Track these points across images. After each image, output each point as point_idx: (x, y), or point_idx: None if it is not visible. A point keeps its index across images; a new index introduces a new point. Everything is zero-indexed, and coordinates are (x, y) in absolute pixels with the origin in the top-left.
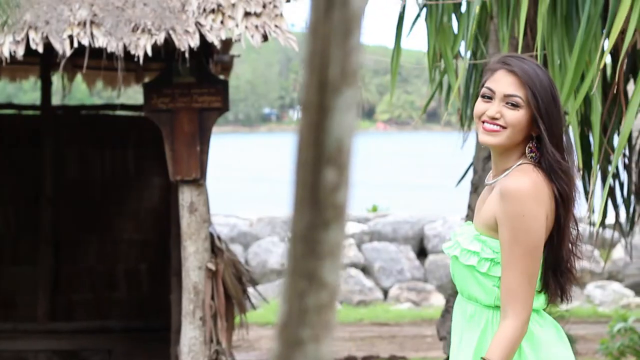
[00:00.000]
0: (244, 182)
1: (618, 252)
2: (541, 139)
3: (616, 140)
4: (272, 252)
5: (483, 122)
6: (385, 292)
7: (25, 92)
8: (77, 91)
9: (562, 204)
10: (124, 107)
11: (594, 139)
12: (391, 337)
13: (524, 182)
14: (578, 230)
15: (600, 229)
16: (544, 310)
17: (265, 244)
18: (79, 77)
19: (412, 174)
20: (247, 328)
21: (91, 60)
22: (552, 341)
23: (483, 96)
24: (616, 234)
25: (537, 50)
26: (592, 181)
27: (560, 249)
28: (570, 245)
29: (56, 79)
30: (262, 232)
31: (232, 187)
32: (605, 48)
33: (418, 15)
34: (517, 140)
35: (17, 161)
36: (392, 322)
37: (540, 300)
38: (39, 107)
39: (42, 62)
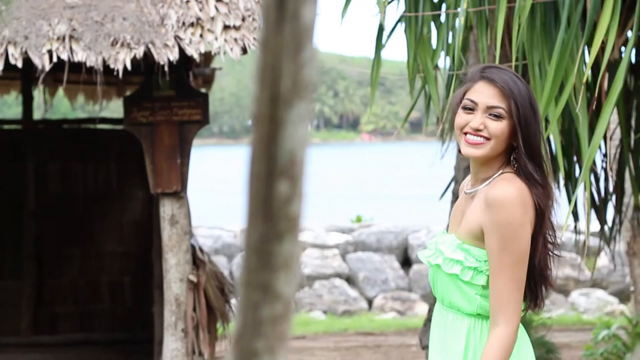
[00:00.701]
0: (228, 194)
1: (602, 260)
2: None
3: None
4: None
5: (465, 133)
6: (370, 302)
7: (10, 106)
8: (61, 105)
9: (538, 212)
10: (105, 120)
11: (582, 150)
12: (376, 347)
13: (511, 190)
14: (555, 238)
15: (584, 237)
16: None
17: None
18: (60, 92)
19: (396, 184)
20: (230, 339)
21: (72, 75)
22: (523, 342)
23: (465, 108)
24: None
25: (516, 61)
26: (574, 190)
27: (534, 256)
28: (545, 252)
29: (37, 94)
30: None
31: (216, 199)
32: (585, 57)
33: (394, 27)
34: (499, 151)
35: None
36: (377, 332)
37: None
38: (20, 121)
39: (22, 76)
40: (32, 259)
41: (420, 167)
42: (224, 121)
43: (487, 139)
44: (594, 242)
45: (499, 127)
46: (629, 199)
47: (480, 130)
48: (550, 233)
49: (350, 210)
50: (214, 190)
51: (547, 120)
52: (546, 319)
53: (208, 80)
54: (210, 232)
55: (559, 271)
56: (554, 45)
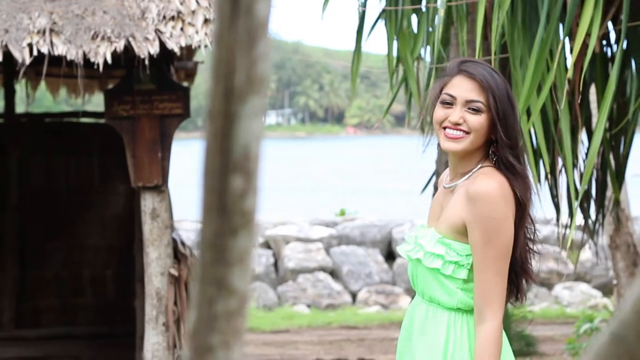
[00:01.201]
0: None
1: (585, 254)
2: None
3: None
4: None
5: (444, 128)
6: (354, 296)
7: None
8: (45, 99)
9: (519, 205)
10: (87, 114)
11: (564, 144)
12: (360, 340)
13: (492, 184)
14: (534, 231)
15: (568, 231)
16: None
17: None
18: (43, 85)
19: (380, 178)
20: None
21: (54, 68)
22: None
23: (443, 102)
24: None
25: (496, 54)
26: (556, 183)
27: (515, 249)
28: (525, 245)
29: (20, 87)
30: None
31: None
32: (566, 50)
33: (376, 20)
34: (479, 145)
35: None
36: (361, 325)
37: None
38: (2, 115)
39: (4, 70)
40: (15, 252)
41: (404, 161)
42: None
43: (467, 132)
44: (578, 235)
45: (478, 121)
46: (611, 192)
47: (459, 125)
48: (530, 226)
49: (334, 204)
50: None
51: (528, 114)
52: (526, 312)
53: (190, 74)
54: (194, 226)
55: (543, 265)
56: (534, 39)
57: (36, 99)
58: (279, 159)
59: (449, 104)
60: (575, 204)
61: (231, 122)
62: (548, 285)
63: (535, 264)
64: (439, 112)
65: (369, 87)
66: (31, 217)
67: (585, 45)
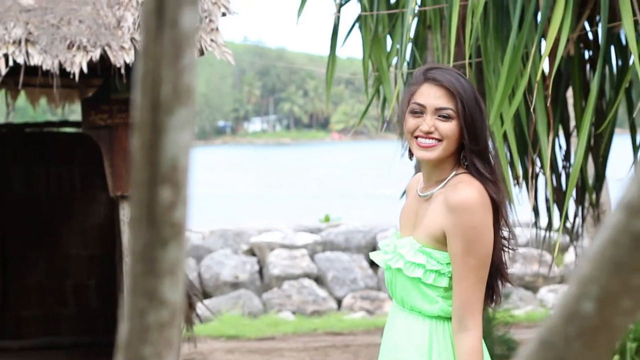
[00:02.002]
0: (196, 196)
1: (570, 256)
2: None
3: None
4: (225, 264)
5: (416, 137)
6: (339, 302)
7: None
8: (29, 109)
9: (494, 209)
10: (67, 123)
11: (541, 148)
12: (345, 347)
13: (472, 193)
14: (511, 235)
15: (551, 234)
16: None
17: (218, 257)
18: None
19: (364, 183)
20: (195, 341)
21: (33, 78)
22: None
23: (413, 112)
24: (568, 238)
25: (470, 59)
26: (532, 188)
27: (492, 253)
28: (501, 248)
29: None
30: (215, 245)
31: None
32: (540, 54)
33: (353, 26)
34: (451, 151)
35: None
36: (346, 332)
37: None
38: None
39: None
40: None
41: (388, 166)
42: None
43: (439, 140)
44: (563, 239)
45: (449, 128)
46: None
47: (431, 133)
48: (504, 228)
49: (319, 210)
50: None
51: (502, 118)
52: (508, 316)
53: None
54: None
55: (527, 268)
56: (507, 43)
57: (20, 109)
58: (265, 166)
59: (418, 113)
60: (554, 207)
61: (158, 134)
62: (533, 288)
63: (509, 266)
64: (410, 121)
65: (354, 93)
66: (13, 226)
67: (562, 48)
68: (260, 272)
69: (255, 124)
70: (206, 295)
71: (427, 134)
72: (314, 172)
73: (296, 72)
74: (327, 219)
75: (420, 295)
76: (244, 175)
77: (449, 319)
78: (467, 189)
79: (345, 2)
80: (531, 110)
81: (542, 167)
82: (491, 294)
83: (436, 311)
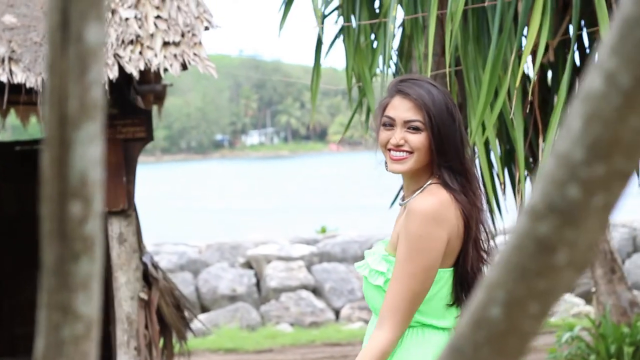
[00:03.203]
0: (194, 210)
1: None
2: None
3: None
4: (222, 278)
5: (389, 150)
6: (337, 313)
7: None
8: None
9: (465, 220)
10: None
11: (517, 155)
12: (343, 357)
13: (429, 202)
14: (489, 244)
15: None
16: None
17: (215, 270)
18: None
19: (362, 194)
20: (188, 355)
21: (23, 96)
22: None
23: (384, 125)
24: None
25: (450, 67)
26: (518, 193)
27: (465, 264)
28: (478, 258)
29: None
30: (211, 259)
31: (184, 215)
32: (519, 61)
33: (337, 36)
34: (425, 162)
35: None
36: (344, 342)
37: (450, 317)
38: None
39: None
40: None
41: (385, 176)
42: (191, 136)
43: (410, 152)
44: None
45: (418, 140)
46: None
47: (401, 146)
48: (483, 239)
49: (317, 221)
50: (182, 206)
51: (484, 126)
52: None
53: (160, 97)
54: (175, 249)
55: None
56: (487, 51)
57: (17, 127)
58: (263, 179)
59: (389, 126)
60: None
61: (66, 149)
62: None
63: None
64: (382, 134)
65: (352, 103)
66: (4, 244)
67: (541, 54)
68: (258, 284)
69: (253, 137)
70: (204, 308)
71: (398, 147)
72: (312, 184)
73: (292, 84)
74: (323, 230)
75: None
76: (242, 188)
77: (414, 326)
78: (426, 198)
79: (329, 14)
80: (510, 116)
81: (518, 172)
82: (458, 305)
83: None
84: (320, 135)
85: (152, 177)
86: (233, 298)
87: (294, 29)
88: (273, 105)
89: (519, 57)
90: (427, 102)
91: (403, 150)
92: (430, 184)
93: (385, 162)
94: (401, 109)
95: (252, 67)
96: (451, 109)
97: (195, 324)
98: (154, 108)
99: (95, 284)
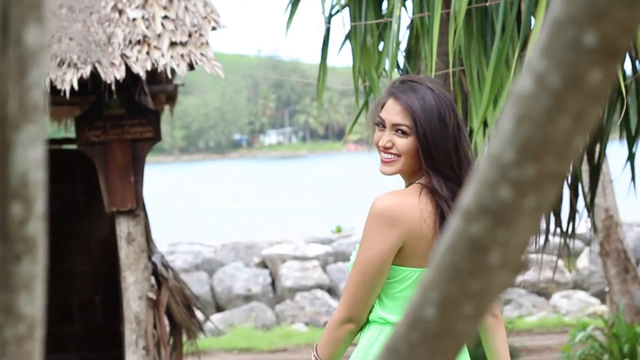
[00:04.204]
0: (212, 210)
1: (582, 261)
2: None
3: None
4: (237, 277)
5: (381, 151)
6: None
7: None
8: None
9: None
10: (69, 141)
11: None
12: None
13: (385, 201)
14: None
15: (563, 239)
16: None
17: (230, 270)
18: None
19: (379, 193)
20: (199, 355)
21: None
22: None
23: (377, 125)
24: (580, 243)
25: (454, 67)
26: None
27: None
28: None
29: None
30: (227, 258)
31: (200, 215)
32: (522, 60)
33: (347, 37)
34: (411, 166)
35: None
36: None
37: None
38: None
39: None
40: None
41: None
42: (210, 136)
43: (398, 155)
44: (575, 244)
45: (404, 144)
46: (598, 199)
47: (389, 148)
48: None
49: (333, 221)
50: (199, 206)
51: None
52: (507, 323)
53: (171, 97)
54: (190, 248)
55: (540, 274)
56: (491, 50)
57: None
58: (281, 178)
59: (382, 126)
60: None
61: (6, 151)
62: (546, 294)
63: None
64: (376, 135)
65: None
66: None
67: None
68: (273, 284)
69: (271, 137)
70: (219, 308)
71: (386, 149)
72: (329, 184)
73: (311, 84)
74: (338, 230)
75: None
76: (259, 188)
77: (376, 322)
78: (384, 196)
79: (336, 13)
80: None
81: None
82: None
83: (373, 316)
84: (339, 134)
85: (170, 176)
86: (248, 298)
87: (313, 29)
88: (291, 104)
89: (522, 56)
90: (415, 107)
91: (391, 153)
92: (411, 184)
93: None
94: (391, 112)
95: (270, 66)
96: (444, 115)
97: (209, 324)
98: (166, 108)
99: (38, 284)
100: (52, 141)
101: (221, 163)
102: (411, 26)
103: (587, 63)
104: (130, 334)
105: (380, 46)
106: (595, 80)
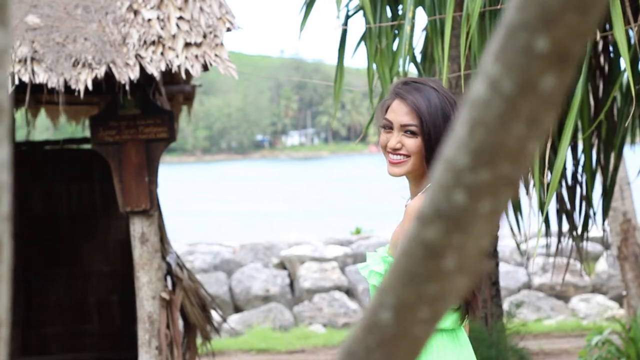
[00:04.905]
0: (232, 211)
1: (601, 265)
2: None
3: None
4: (256, 278)
5: (388, 152)
6: None
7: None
8: (68, 126)
9: None
10: (87, 140)
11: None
12: None
13: (419, 203)
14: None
15: (583, 243)
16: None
17: (249, 271)
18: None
19: (399, 196)
20: (213, 355)
21: (53, 96)
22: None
23: (384, 127)
24: (599, 247)
25: (468, 69)
26: (530, 197)
27: None
28: None
29: (20, 115)
30: (245, 259)
31: (221, 216)
32: None
33: (362, 38)
34: (420, 166)
35: None
36: None
37: (451, 319)
38: None
39: None
40: (19, 280)
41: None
42: (232, 137)
43: (407, 156)
44: (594, 248)
45: (414, 144)
46: (616, 203)
47: (398, 149)
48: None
49: (353, 223)
50: (219, 207)
51: None
52: (520, 326)
53: (189, 97)
54: (209, 249)
55: (559, 277)
56: None
57: (60, 126)
58: (302, 179)
59: (389, 128)
60: (540, 218)
61: None
62: (564, 297)
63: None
64: (382, 137)
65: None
66: (34, 244)
67: None
68: (291, 285)
69: (294, 138)
70: (237, 309)
71: (395, 150)
72: (350, 185)
73: (332, 86)
74: (357, 232)
75: None
76: (280, 188)
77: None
78: (420, 199)
79: (352, 15)
80: None
81: (532, 175)
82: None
83: None
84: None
85: (192, 177)
86: (266, 298)
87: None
88: (314, 106)
89: None
90: (422, 107)
91: (400, 154)
92: (430, 186)
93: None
94: (399, 113)
95: (293, 68)
96: (448, 115)
97: (227, 324)
98: (184, 109)
99: (3, 285)
100: (70, 141)
101: (243, 163)
102: (427, 28)
103: (540, 68)
104: (143, 334)
105: (395, 47)
106: (548, 85)
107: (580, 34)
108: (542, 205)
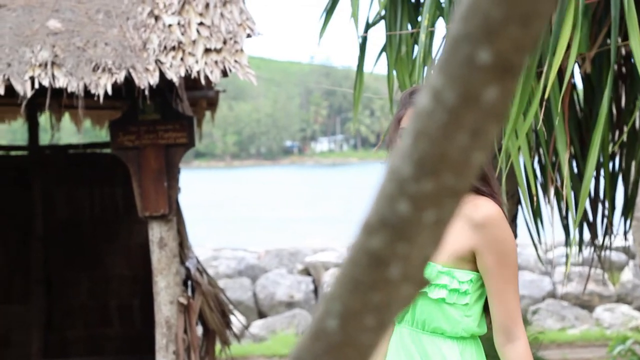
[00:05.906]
0: (260, 217)
1: (626, 275)
2: None
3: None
4: (280, 284)
5: None
6: None
7: (15, 132)
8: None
9: None
10: (109, 144)
11: (561, 166)
12: None
13: (495, 208)
14: None
15: (605, 252)
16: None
17: (273, 276)
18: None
19: None
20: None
21: (77, 100)
22: (478, 354)
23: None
24: (624, 257)
25: None
26: (548, 205)
27: None
28: None
29: (44, 119)
30: (270, 265)
31: (248, 221)
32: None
33: (384, 47)
34: None
35: (6, 202)
36: None
37: (483, 326)
38: (26, 147)
39: (27, 103)
40: (41, 283)
41: None
42: (261, 142)
43: None
44: (619, 257)
45: None
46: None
47: None
48: None
49: None
50: (247, 212)
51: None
52: (537, 334)
53: (212, 103)
54: (234, 254)
55: (583, 286)
56: None
57: (87, 130)
58: (330, 186)
59: None
60: (572, 227)
61: None
62: (589, 307)
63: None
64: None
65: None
66: (56, 248)
67: (571, 66)
68: (316, 291)
69: (322, 144)
70: (261, 314)
71: None
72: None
73: (363, 92)
74: None
75: (443, 316)
76: (308, 194)
77: (472, 337)
78: (488, 205)
79: (374, 24)
80: (538, 127)
81: (552, 184)
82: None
83: (460, 331)
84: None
85: (221, 182)
86: (290, 304)
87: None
88: (343, 112)
89: (551, 66)
90: None
91: None
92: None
93: None
94: None
95: (322, 74)
96: None
97: (248, 330)
98: (207, 114)
99: None
100: (92, 145)
101: (272, 169)
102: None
103: (482, 80)
104: (160, 338)
105: (413, 55)
106: (491, 97)
107: (522, 47)
108: (565, 217)
